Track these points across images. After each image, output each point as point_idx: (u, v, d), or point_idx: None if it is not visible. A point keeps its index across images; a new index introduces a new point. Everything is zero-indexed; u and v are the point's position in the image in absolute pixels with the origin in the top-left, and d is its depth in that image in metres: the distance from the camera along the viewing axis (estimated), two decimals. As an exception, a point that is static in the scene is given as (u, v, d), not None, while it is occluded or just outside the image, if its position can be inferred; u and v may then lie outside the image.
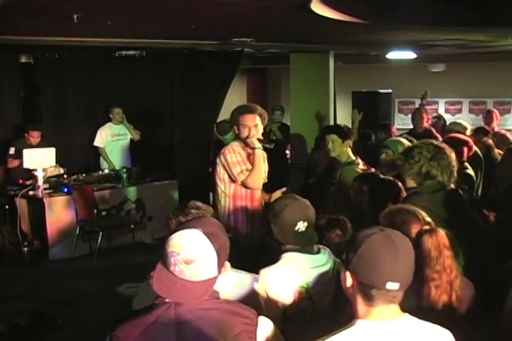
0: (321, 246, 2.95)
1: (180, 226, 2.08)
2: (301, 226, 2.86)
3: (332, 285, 2.82)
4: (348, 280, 1.98)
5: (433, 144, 3.53)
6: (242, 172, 4.46)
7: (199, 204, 2.90)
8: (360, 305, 1.95)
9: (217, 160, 4.56)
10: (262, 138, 4.59)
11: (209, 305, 2.02)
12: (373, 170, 5.05)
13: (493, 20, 4.72)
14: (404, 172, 3.53)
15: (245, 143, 4.55)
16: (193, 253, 1.96)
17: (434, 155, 3.44)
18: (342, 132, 5.16)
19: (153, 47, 8.34)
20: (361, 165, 5.11)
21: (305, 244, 2.89)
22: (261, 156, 4.53)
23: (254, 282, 2.74)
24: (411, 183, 3.51)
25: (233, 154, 4.50)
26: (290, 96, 9.04)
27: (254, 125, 4.52)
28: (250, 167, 4.50)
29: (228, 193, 4.55)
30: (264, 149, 4.61)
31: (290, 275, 2.80)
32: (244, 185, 4.50)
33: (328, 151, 5.17)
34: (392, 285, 1.90)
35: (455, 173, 3.47)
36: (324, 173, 5.86)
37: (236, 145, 4.57)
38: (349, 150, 5.16)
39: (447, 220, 3.10)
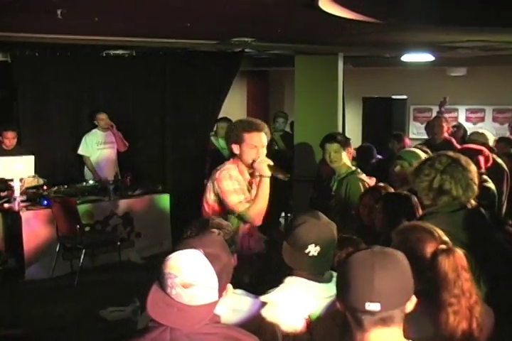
0: (334, 274, 2.89)
1: (181, 244, 2.08)
2: (313, 250, 2.81)
3: (337, 319, 2.78)
4: (339, 306, 2.01)
5: (446, 155, 3.51)
6: (241, 203, 4.20)
7: (222, 222, 2.90)
8: (355, 331, 1.97)
9: (209, 184, 4.32)
10: (272, 163, 4.25)
11: (208, 329, 2.02)
12: (374, 179, 5.11)
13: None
14: (416, 188, 3.52)
15: (248, 166, 4.30)
16: (191, 277, 1.96)
17: (446, 167, 3.41)
18: (343, 141, 5.28)
19: (144, 46, 8.35)
20: (363, 175, 5.19)
21: (313, 273, 2.85)
22: (268, 186, 4.25)
23: (254, 305, 2.72)
24: (425, 200, 3.49)
25: (230, 181, 4.22)
26: (294, 102, 9.05)
27: (262, 146, 4.27)
28: (247, 195, 4.26)
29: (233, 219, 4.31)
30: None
31: (294, 304, 2.77)
32: (241, 217, 4.24)
33: (331, 162, 5.24)
34: (372, 306, 1.91)
35: (474, 187, 3.41)
36: (325, 187, 5.90)
37: (233, 169, 4.29)
38: (348, 159, 5.34)
39: (468, 244, 3.04)
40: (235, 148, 4.29)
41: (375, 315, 1.92)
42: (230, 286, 2.11)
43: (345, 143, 5.28)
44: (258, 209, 4.22)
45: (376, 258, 1.96)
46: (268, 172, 4.21)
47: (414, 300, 1.99)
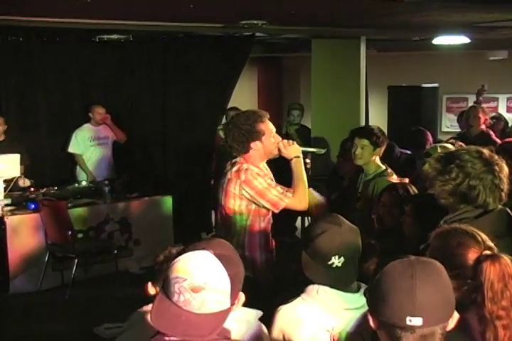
0: (362, 284, 2.89)
1: (187, 248, 2.08)
2: (336, 261, 2.82)
3: (365, 335, 2.77)
4: (372, 322, 1.99)
5: (482, 156, 3.37)
6: (283, 194, 4.37)
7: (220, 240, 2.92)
8: None
9: (230, 189, 4.38)
10: (294, 142, 4.52)
11: None
12: (407, 181, 5.09)
13: None
14: (434, 187, 3.43)
15: (271, 155, 4.49)
16: (202, 279, 1.97)
17: (478, 171, 3.31)
18: (376, 137, 5.24)
19: (142, 30, 8.36)
20: (394, 176, 5.17)
21: (338, 285, 2.83)
22: (303, 166, 4.49)
23: (258, 320, 2.72)
24: (442, 202, 3.43)
25: (260, 179, 4.35)
26: (311, 92, 9.03)
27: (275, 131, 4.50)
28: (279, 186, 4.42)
29: (246, 226, 4.45)
30: (277, 159, 4.54)
31: (317, 315, 2.76)
32: (289, 207, 4.42)
33: (355, 158, 5.27)
34: (414, 321, 1.89)
35: (503, 197, 3.32)
36: (349, 187, 5.88)
37: (252, 167, 4.42)
38: (378, 158, 5.29)
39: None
40: (256, 146, 4.41)
41: (415, 331, 1.90)
42: (242, 295, 2.11)
43: (378, 142, 5.22)
44: (302, 192, 4.43)
45: (416, 267, 1.95)
46: (299, 152, 4.47)
47: (456, 316, 1.98)
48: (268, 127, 4.43)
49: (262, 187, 4.33)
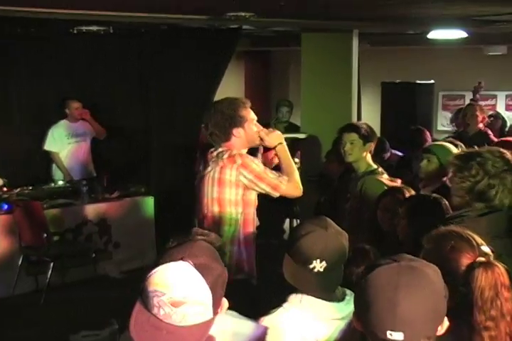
0: (348, 292, 2.88)
1: (164, 256, 2.07)
2: (318, 266, 2.79)
3: None
4: (356, 326, 1.99)
5: (504, 156, 3.44)
6: (281, 177, 4.47)
7: (205, 232, 2.91)
8: None
9: (227, 177, 4.41)
10: (275, 129, 4.68)
11: None
12: (399, 181, 5.11)
13: None
14: (452, 184, 3.47)
15: (253, 144, 4.62)
16: (182, 293, 1.96)
17: (498, 171, 3.36)
18: (364, 131, 5.27)
19: (122, 21, 8.34)
20: (385, 175, 5.19)
21: (318, 291, 2.81)
22: (288, 152, 4.61)
23: (257, 330, 2.70)
24: (456, 200, 3.46)
25: (256, 162, 4.45)
26: (301, 88, 9.04)
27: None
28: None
29: (240, 219, 4.48)
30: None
31: (301, 326, 2.75)
32: (286, 193, 4.52)
33: (344, 154, 5.29)
34: (395, 335, 1.88)
35: None
36: (339, 188, 5.90)
37: (242, 152, 4.52)
38: (369, 156, 5.31)
39: (506, 254, 3.02)
40: (238, 133, 4.50)
41: None
42: (225, 301, 2.11)
43: (367, 136, 5.25)
44: (296, 177, 4.53)
45: (402, 276, 1.94)
46: (282, 139, 4.58)
47: (446, 323, 1.97)
48: (250, 114, 4.54)
49: (259, 170, 4.39)
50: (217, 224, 4.45)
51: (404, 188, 4.58)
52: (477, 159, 3.40)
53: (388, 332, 1.88)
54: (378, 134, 9.38)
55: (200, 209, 4.61)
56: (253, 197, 4.48)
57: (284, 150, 4.58)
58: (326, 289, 2.83)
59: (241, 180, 4.36)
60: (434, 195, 4.10)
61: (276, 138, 4.56)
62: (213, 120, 4.53)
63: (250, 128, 4.52)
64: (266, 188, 4.40)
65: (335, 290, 2.86)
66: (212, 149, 4.61)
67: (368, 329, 1.94)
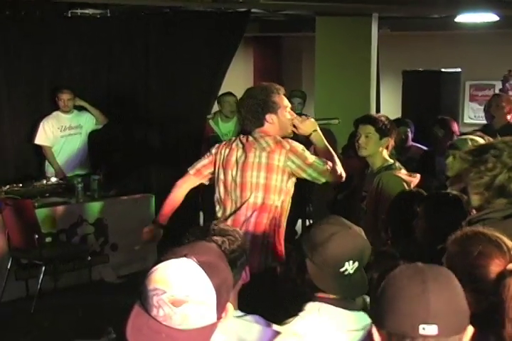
0: (368, 299, 2.89)
1: (167, 254, 2.09)
2: (349, 267, 2.81)
3: None
4: (376, 338, 1.98)
5: None
6: (326, 165, 4.67)
7: (226, 227, 2.94)
8: None
9: (275, 163, 4.61)
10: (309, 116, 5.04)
11: None
12: (418, 176, 5.11)
13: None
14: (468, 182, 3.45)
15: (286, 133, 4.79)
16: (184, 292, 1.96)
17: None
18: (382, 124, 5.27)
19: (121, 4, 8.36)
20: (403, 170, 5.19)
21: (351, 294, 2.84)
22: (323, 137, 4.87)
23: (264, 335, 2.70)
24: (475, 200, 3.43)
25: (304, 148, 4.69)
26: (315, 77, 9.04)
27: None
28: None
29: (279, 206, 4.71)
30: None
31: (320, 337, 2.75)
32: (331, 179, 4.75)
33: (358, 148, 5.29)
34: (428, 329, 1.89)
35: None
36: (358, 185, 5.90)
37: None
38: (385, 151, 5.33)
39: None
40: (271, 119, 4.70)
41: None
42: (230, 306, 2.11)
43: (385, 130, 5.25)
44: (337, 163, 4.79)
45: (427, 271, 1.96)
46: (317, 126, 4.84)
47: (470, 330, 1.98)
48: (284, 101, 4.76)
49: (307, 154, 4.64)
50: (257, 210, 4.64)
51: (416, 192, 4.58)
52: (491, 151, 3.35)
53: (421, 327, 1.88)
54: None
55: (231, 195, 4.75)
56: (292, 185, 4.71)
57: (319, 137, 4.84)
58: (358, 291, 2.87)
59: (289, 165, 4.59)
60: (455, 192, 4.09)
61: (310, 125, 4.80)
62: (246, 105, 4.74)
63: (284, 115, 4.73)
64: (313, 174, 4.63)
65: (365, 291, 2.89)
66: (242, 136, 4.81)
67: (394, 331, 1.94)
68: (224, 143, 4.89)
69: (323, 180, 4.70)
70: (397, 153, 7.35)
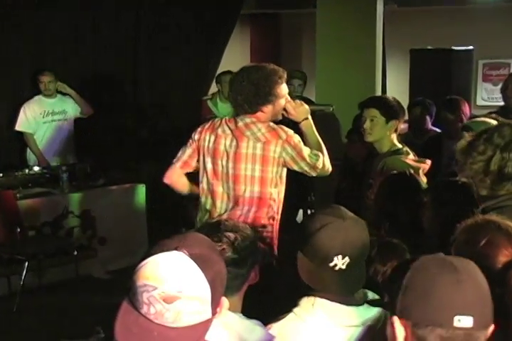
0: (369, 294, 2.91)
1: (156, 247, 2.09)
2: (339, 262, 2.78)
3: None
4: (399, 331, 1.98)
5: (510, 124, 3.45)
6: (317, 157, 4.67)
7: (237, 223, 2.96)
8: None
9: (271, 155, 4.58)
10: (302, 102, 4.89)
11: None
12: (428, 162, 5.10)
13: None
14: (468, 172, 3.43)
15: (276, 117, 4.75)
16: (176, 287, 1.96)
17: (509, 141, 3.33)
18: (387, 107, 5.25)
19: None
20: (411, 155, 5.17)
21: (342, 292, 2.82)
22: (314, 127, 4.84)
23: (265, 338, 2.72)
24: (481, 189, 3.42)
25: (299, 138, 4.68)
26: (316, 57, 9.03)
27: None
28: None
29: (276, 199, 4.72)
30: None
31: (312, 335, 2.76)
32: (320, 173, 4.73)
33: (364, 133, 5.26)
34: (464, 321, 1.90)
35: None
36: (363, 172, 5.90)
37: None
38: (394, 135, 5.29)
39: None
40: (267, 109, 4.67)
41: (463, 335, 1.91)
42: (225, 300, 2.12)
43: (392, 112, 5.22)
44: (325, 154, 4.75)
45: (454, 261, 1.98)
46: (309, 113, 4.83)
47: (492, 326, 2.00)
48: (284, 90, 4.72)
49: (302, 146, 4.62)
50: (254, 205, 4.64)
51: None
52: (483, 135, 3.38)
53: (456, 318, 1.90)
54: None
55: (223, 186, 4.72)
56: (285, 174, 4.71)
57: (310, 125, 4.82)
58: (349, 289, 2.84)
59: (283, 156, 4.57)
60: (464, 180, 4.08)
61: (303, 112, 4.79)
62: (244, 92, 4.62)
63: (279, 104, 4.71)
64: (304, 167, 4.64)
65: (359, 290, 2.88)
66: (227, 119, 4.75)
67: (424, 322, 1.94)
68: (206, 126, 4.77)
69: (313, 174, 4.72)
70: (414, 137, 7.39)
